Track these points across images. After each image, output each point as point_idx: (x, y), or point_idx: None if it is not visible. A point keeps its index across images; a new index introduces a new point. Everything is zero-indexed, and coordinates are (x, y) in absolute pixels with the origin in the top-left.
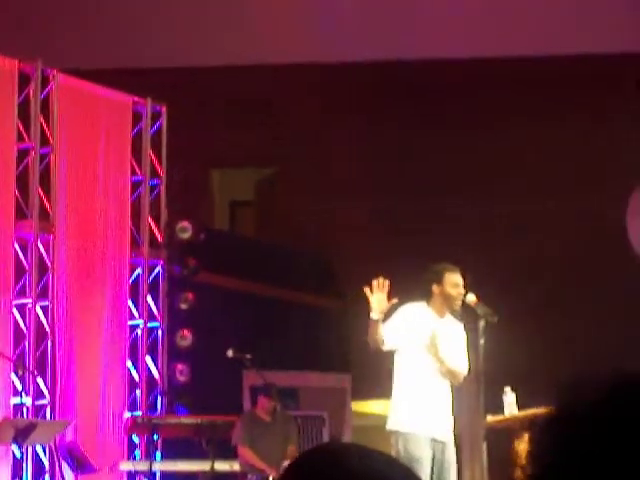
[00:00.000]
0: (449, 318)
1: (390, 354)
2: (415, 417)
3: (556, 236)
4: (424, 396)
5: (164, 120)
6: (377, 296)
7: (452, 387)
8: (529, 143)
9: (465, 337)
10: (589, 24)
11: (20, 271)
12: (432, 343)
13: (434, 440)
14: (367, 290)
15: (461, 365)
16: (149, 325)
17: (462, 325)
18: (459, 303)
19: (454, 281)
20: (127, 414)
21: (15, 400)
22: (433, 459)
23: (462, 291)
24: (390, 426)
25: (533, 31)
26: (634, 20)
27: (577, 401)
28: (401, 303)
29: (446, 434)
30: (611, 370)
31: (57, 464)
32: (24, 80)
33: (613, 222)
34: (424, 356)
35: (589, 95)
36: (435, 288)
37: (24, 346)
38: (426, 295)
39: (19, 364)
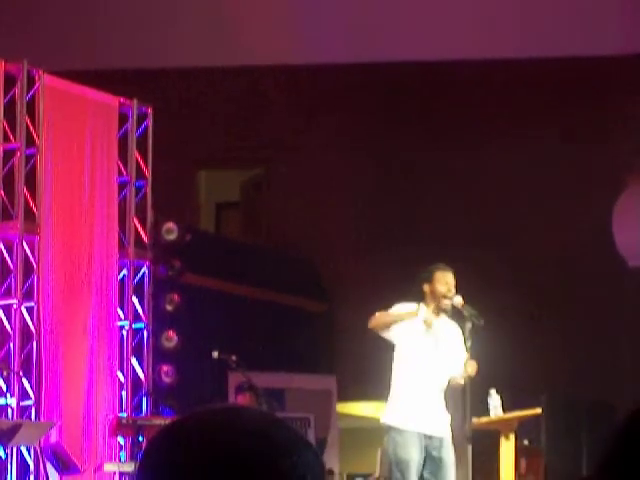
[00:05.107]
0: (444, 319)
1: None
2: (408, 412)
3: (544, 241)
4: (419, 392)
5: (150, 121)
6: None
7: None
8: (514, 146)
9: (461, 337)
10: (575, 26)
11: (5, 272)
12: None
13: (426, 436)
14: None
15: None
16: (134, 326)
17: (457, 325)
18: (448, 301)
19: (444, 279)
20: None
21: (0, 401)
22: (427, 457)
23: (452, 289)
24: (383, 419)
25: (518, 33)
26: (622, 22)
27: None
28: (390, 306)
29: (441, 430)
30: None
31: (42, 465)
32: (10, 81)
33: (599, 227)
34: (421, 352)
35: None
36: (426, 287)
37: (9, 347)
38: (419, 297)
39: (4, 365)
